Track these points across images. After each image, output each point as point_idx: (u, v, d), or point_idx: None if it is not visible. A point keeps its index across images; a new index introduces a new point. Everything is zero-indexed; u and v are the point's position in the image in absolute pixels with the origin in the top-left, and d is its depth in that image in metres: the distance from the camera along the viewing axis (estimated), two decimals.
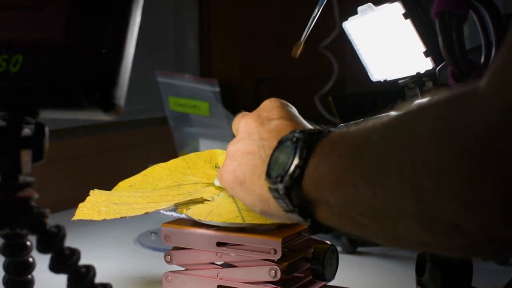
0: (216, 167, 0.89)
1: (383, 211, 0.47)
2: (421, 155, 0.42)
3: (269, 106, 0.69)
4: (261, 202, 0.64)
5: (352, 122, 0.82)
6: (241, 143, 0.68)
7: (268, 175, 0.58)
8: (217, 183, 0.84)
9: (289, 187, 0.55)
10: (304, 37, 0.79)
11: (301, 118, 0.67)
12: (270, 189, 0.58)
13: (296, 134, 0.57)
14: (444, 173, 0.41)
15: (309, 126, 0.66)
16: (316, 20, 0.85)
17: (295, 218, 0.57)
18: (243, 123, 0.69)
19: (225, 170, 0.69)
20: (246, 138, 0.67)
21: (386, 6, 0.83)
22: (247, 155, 0.66)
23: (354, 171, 0.49)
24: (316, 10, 0.80)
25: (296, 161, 0.55)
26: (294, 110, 0.69)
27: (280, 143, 0.59)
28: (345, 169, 0.50)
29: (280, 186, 0.56)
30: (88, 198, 0.80)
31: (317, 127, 0.62)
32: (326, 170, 0.53)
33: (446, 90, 0.48)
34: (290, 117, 0.67)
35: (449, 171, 0.41)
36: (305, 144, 0.55)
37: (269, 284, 0.75)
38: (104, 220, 0.76)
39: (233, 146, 0.69)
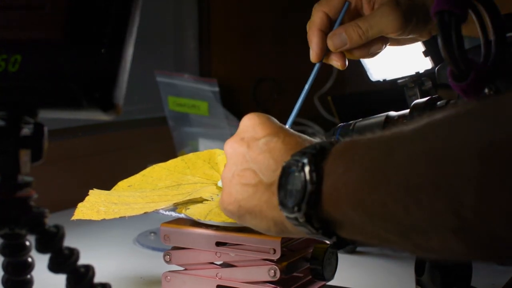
0: (214, 167, 0.88)
1: (415, 227, 0.46)
2: (460, 173, 0.41)
3: (250, 124, 0.65)
4: (276, 225, 0.62)
5: (351, 121, 0.82)
6: (235, 172, 0.64)
7: (283, 204, 0.56)
8: (220, 184, 0.84)
9: (309, 214, 0.54)
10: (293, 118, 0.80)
11: (285, 128, 0.64)
12: (288, 218, 0.56)
13: (299, 158, 0.55)
14: (488, 189, 0.40)
15: (296, 134, 0.63)
16: None
17: (318, 237, 0.56)
18: (229, 149, 0.66)
19: (227, 203, 0.65)
20: (238, 165, 0.64)
21: None
22: (245, 183, 0.63)
23: (380, 191, 0.47)
24: (311, 77, 0.80)
25: (309, 188, 0.53)
26: (275, 121, 0.66)
27: (285, 169, 0.56)
28: (369, 189, 0.48)
29: (299, 215, 0.54)
30: (87, 198, 0.80)
31: (309, 138, 0.61)
32: (346, 191, 0.51)
33: (463, 101, 0.48)
34: (276, 132, 0.63)
35: (494, 187, 0.40)
36: (313, 167, 0.53)
37: (268, 284, 0.75)
38: (103, 220, 0.76)
39: (227, 174, 0.65)
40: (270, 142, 0.62)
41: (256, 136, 0.64)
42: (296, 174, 0.55)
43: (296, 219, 0.55)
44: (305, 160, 0.54)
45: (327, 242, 0.79)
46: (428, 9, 0.78)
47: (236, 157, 0.64)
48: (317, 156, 0.54)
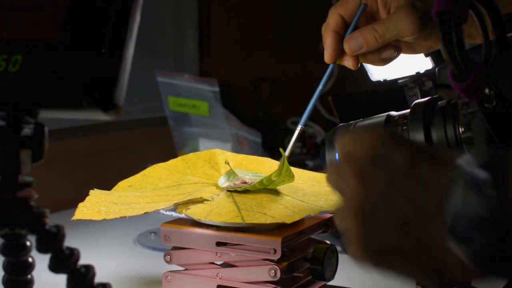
0: (226, 162, 0.88)
1: None
2: None
3: (378, 140, 0.52)
4: (431, 272, 0.49)
5: (351, 122, 0.82)
6: (374, 207, 0.50)
7: (460, 240, 0.45)
8: (223, 184, 0.84)
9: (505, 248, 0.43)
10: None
11: (417, 142, 0.54)
12: (472, 259, 0.44)
13: (473, 172, 0.44)
14: None
15: (437, 150, 0.54)
16: (316, 20, 0.85)
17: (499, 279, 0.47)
18: (357, 175, 0.51)
19: (363, 245, 0.51)
20: (375, 198, 0.50)
21: None
22: (394, 221, 0.49)
23: None
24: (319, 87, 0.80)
25: (496, 208, 0.43)
26: (402, 136, 0.55)
27: (452, 193, 0.45)
28: None
29: (488, 250, 0.43)
30: (87, 198, 0.80)
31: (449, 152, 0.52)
32: None
33: None
34: (412, 146, 0.51)
35: None
36: (495, 183, 0.43)
37: (268, 284, 0.75)
38: (104, 220, 0.76)
39: (358, 211, 0.50)
40: (412, 161, 0.50)
41: (391, 155, 0.50)
42: (473, 194, 0.44)
43: (479, 254, 0.44)
44: (486, 177, 0.44)
45: (328, 242, 0.80)
46: None
47: (373, 183, 0.50)
48: (496, 167, 0.44)
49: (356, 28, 0.79)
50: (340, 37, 0.80)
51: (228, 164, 0.86)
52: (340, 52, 0.80)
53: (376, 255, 0.51)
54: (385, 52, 0.80)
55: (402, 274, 0.51)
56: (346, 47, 0.79)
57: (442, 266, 0.47)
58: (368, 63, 0.82)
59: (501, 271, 0.44)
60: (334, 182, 0.53)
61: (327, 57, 0.80)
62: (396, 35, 0.78)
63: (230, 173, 0.85)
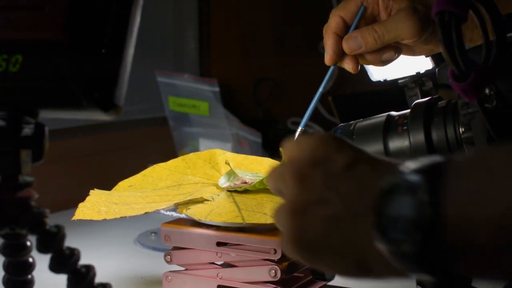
0: (227, 163, 0.88)
1: None
2: None
3: (321, 144, 0.53)
4: (358, 267, 0.50)
5: (352, 122, 0.82)
6: (309, 202, 0.51)
7: (386, 235, 0.46)
8: (223, 184, 0.84)
9: (423, 245, 0.44)
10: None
11: (360, 148, 0.53)
12: (393, 253, 0.46)
13: (407, 177, 0.45)
14: None
15: (379, 156, 0.53)
16: (316, 20, 0.85)
17: (422, 277, 0.47)
18: (297, 174, 0.53)
19: (296, 237, 0.52)
20: (312, 193, 0.52)
21: None
22: (323, 215, 0.51)
23: None
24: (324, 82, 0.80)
25: (428, 212, 0.44)
26: (351, 142, 0.56)
27: (385, 193, 0.46)
28: None
29: (412, 248, 0.44)
30: (88, 198, 0.80)
31: (394, 159, 0.50)
32: (485, 211, 0.42)
33: None
34: (358, 153, 0.52)
35: None
36: (430, 186, 0.44)
37: (269, 284, 0.75)
38: (104, 220, 0.76)
39: (295, 204, 0.52)
40: (352, 165, 0.51)
41: (332, 157, 0.52)
42: (405, 195, 0.45)
43: (401, 253, 0.45)
44: (417, 178, 0.45)
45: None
46: None
47: (309, 184, 0.52)
48: (432, 172, 0.45)
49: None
50: (341, 39, 0.80)
51: (229, 164, 0.86)
52: (340, 54, 0.80)
53: (305, 250, 0.52)
54: (385, 53, 0.80)
55: (329, 268, 0.53)
56: (345, 46, 0.79)
57: (367, 262, 0.49)
58: (367, 64, 0.82)
59: (424, 270, 0.45)
60: (273, 184, 0.55)
61: (328, 59, 0.80)
62: (395, 37, 0.78)
63: (231, 173, 0.85)
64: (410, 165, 0.46)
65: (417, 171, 0.45)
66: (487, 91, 0.62)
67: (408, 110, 0.76)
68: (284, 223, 0.53)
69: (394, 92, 1.00)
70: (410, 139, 0.73)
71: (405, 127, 0.74)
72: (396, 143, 0.75)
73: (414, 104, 0.76)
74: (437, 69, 0.82)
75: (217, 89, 1.46)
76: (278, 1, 1.86)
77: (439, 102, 0.74)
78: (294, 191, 0.52)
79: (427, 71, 0.93)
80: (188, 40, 1.81)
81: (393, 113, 0.78)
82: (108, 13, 0.50)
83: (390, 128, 0.75)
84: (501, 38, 0.59)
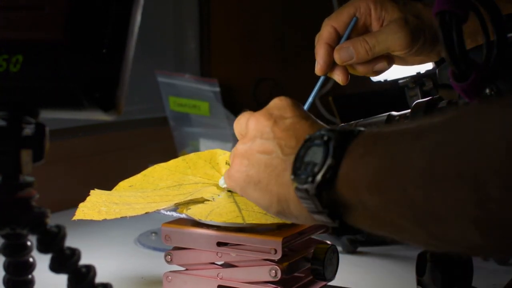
0: (227, 163, 0.88)
1: (433, 215, 0.45)
2: (487, 166, 0.41)
3: (280, 104, 0.66)
4: (278, 203, 0.61)
5: (352, 122, 0.82)
6: (253, 142, 0.64)
7: (296, 174, 0.56)
8: (222, 184, 0.84)
9: (321, 188, 0.53)
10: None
11: (314, 117, 0.65)
12: (298, 189, 0.55)
13: (326, 133, 0.55)
14: None
15: (324, 124, 0.64)
16: (316, 20, 0.85)
17: (321, 219, 0.56)
18: (253, 121, 0.66)
19: (235, 170, 0.66)
20: (258, 137, 0.64)
21: None
22: (261, 154, 0.63)
23: (401, 176, 0.47)
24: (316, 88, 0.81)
25: (329, 161, 0.53)
26: (304, 109, 0.67)
27: (307, 141, 0.56)
28: (390, 173, 0.48)
29: (310, 187, 0.54)
30: (88, 198, 0.80)
31: (333, 126, 0.60)
32: (365, 172, 0.50)
33: (498, 96, 0.47)
34: (305, 116, 0.64)
35: None
36: (337, 143, 0.53)
37: (269, 284, 0.75)
38: (105, 220, 0.76)
39: (243, 145, 0.65)
40: (296, 124, 0.63)
41: (284, 115, 0.64)
42: (319, 146, 0.54)
43: (306, 191, 0.54)
44: (331, 135, 0.54)
45: (329, 242, 0.80)
46: (436, 30, 0.79)
47: (259, 130, 0.64)
48: (344, 135, 0.54)
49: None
50: (332, 50, 0.81)
51: (229, 164, 0.86)
52: (331, 65, 0.81)
53: (240, 176, 0.64)
54: (377, 64, 0.81)
55: (255, 200, 0.65)
56: (336, 56, 0.80)
57: (286, 199, 0.60)
58: (358, 74, 0.83)
59: (320, 211, 0.55)
60: (237, 127, 0.69)
61: (318, 69, 0.81)
62: (386, 49, 0.79)
63: None
64: (332, 128, 0.56)
65: (333, 131, 0.54)
66: (487, 91, 0.62)
67: (409, 110, 0.76)
68: (233, 161, 0.66)
69: (395, 92, 1.00)
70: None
71: None
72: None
73: (415, 104, 0.76)
74: (437, 69, 0.82)
75: (217, 89, 1.46)
76: (278, 1, 1.86)
77: (440, 102, 0.74)
78: (248, 139, 0.65)
79: (427, 71, 0.93)
80: (189, 40, 1.81)
81: (394, 113, 0.78)
82: (109, 13, 0.50)
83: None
84: (502, 39, 0.59)
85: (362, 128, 0.55)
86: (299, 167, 0.56)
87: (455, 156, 0.43)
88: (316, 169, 0.54)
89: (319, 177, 0.53)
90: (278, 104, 0.66)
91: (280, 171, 0.61)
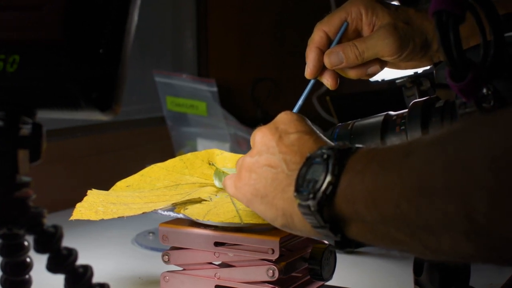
0: (210, 163, 0.89)
1: (426, 228, 0.47)
2: (473, 180, 0.43)
3: (286, 119, 0.68)
4: (283, 216, 0.63)
5: (349, 121, 0.82)
6: (260, 156, 0.66)
7: (298, 191, 0.58)
8: (217, 184, 0.84)
9: (322, 204, 0.56)
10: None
11: (318, 132, 0.67)
12: (300, 205, 0.58)
13: (326, 151, 0.57)
14: (500, 196, 0.41)
15: (327, 140, 0.65)
16: (315, 21, 0.85)
17: (323, 233, 0.58)
18: (260, 135, 0.68)
19: (243, 183, 0.67)
20: (264, 151, 0.66)
21: None
22: (267, 168, 0.65)
23: (393, 191, 0.49)
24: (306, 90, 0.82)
25: (328, 178, 0.55)
26: (310, 123, 0.68)
27: (309, 159, 0.59)
28: (384, 188, 0.50)
29: (312, 203, 0.56)
30: (85, 198, 0.80)
31: (342, 143, 0.62)
32: (362, 188, 0.53)
33: (479, 113, 0.48)
34: (309, 131, 0.66)
35: (505, 194, 0.41)
36: (336, 161, 0.56)
37: (266, 284, 0.76)
38: (102, 220, 0.76)
39: (250, 158, 0.67)
40: (300, 139, 0.65)
41: (289, 130, 0.66)
42: (319, 164, 0.57)
43: (308, 207, 0.56)
44: (331, 153, 0.56)
45: (326, 242, 0.80)
46: (427, 37, 0.80)
47: (265, 144, 0.67)
48: (343, 152, 0.56)
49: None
50: (322, 54, 0.81)
51: (213, 164, 0.87)
52: (321, 69, 0.81)
53: (248, 190, 0.66)
54: (370, 67, 0.82)
55: (260, 212, 0.66)
56: (326, 60, 0.81)
57: (290, 213, 0.62)
58: (350, 77, 0.83)
59: (321, 226, 0.56)
60: (252, 140, 0.69)
61: (308, 72, 0.82)
62: (375, 54, 0.80)
63: (219, 173, 0.85)
64: (332, 145, 0.58)
65: (333, 148, 0.57)
66: (484, 91, 0.62)
67: (406, 110, 0.76)
68: (240, 173, 0.68)
69: (392, 91, 1.00)
70: (408, 138, 0.73)
71: (403, 127, 0.74)
72: (394, 143, 0.75)
73: (412, 103, 0.76)
74: (435, 69, 0.82)
75: (215, 89, 1.46)
76: (277, 1, 1.86)
77: (437, 102, 0.74)
78: (255, 152, 0.67)
79: (425, 71, 0.93)
80: (186, 40, 1.81)
81: (391, 112, 0.78)
82: (106, 13, 0.50)
83: (388, 127, 0.76)
84: (499, 38, 0.60)
85: (360, 145, 0.57)
86: (301, 184, 0.58)
87: (441, 172, 0.45)
88: (317, 186, 0.56)
89: (320, 193, 0.55)
90: (284, 118, 0.68)
91: (284, 186, 0.63)
